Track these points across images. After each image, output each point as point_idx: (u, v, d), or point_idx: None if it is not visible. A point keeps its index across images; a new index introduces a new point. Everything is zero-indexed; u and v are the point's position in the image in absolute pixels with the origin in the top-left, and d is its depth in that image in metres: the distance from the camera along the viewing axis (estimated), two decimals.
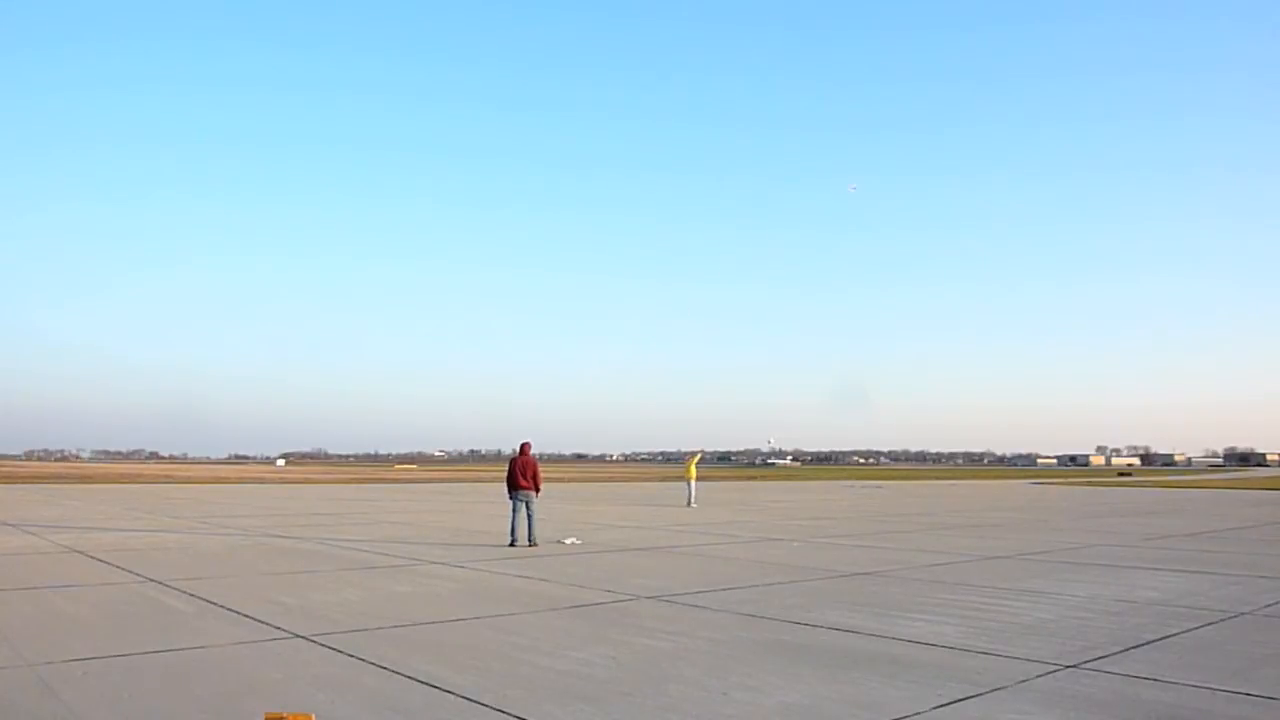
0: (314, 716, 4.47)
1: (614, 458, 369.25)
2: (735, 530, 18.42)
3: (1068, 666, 6.02)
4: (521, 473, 14.56)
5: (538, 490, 14.68)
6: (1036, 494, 42.84)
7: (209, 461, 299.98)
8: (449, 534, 16.90)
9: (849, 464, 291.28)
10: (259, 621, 7.47)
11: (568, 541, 14.93)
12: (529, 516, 14.30)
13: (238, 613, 7.89)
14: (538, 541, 14.20)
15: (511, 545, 14.00)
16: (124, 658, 6.08)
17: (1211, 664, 6.15)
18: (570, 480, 65.43)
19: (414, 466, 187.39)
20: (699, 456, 29.85)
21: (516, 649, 6.48)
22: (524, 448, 14.84)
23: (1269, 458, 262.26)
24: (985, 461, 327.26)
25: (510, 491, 14.52)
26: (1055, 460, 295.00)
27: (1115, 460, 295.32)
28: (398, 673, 5.70)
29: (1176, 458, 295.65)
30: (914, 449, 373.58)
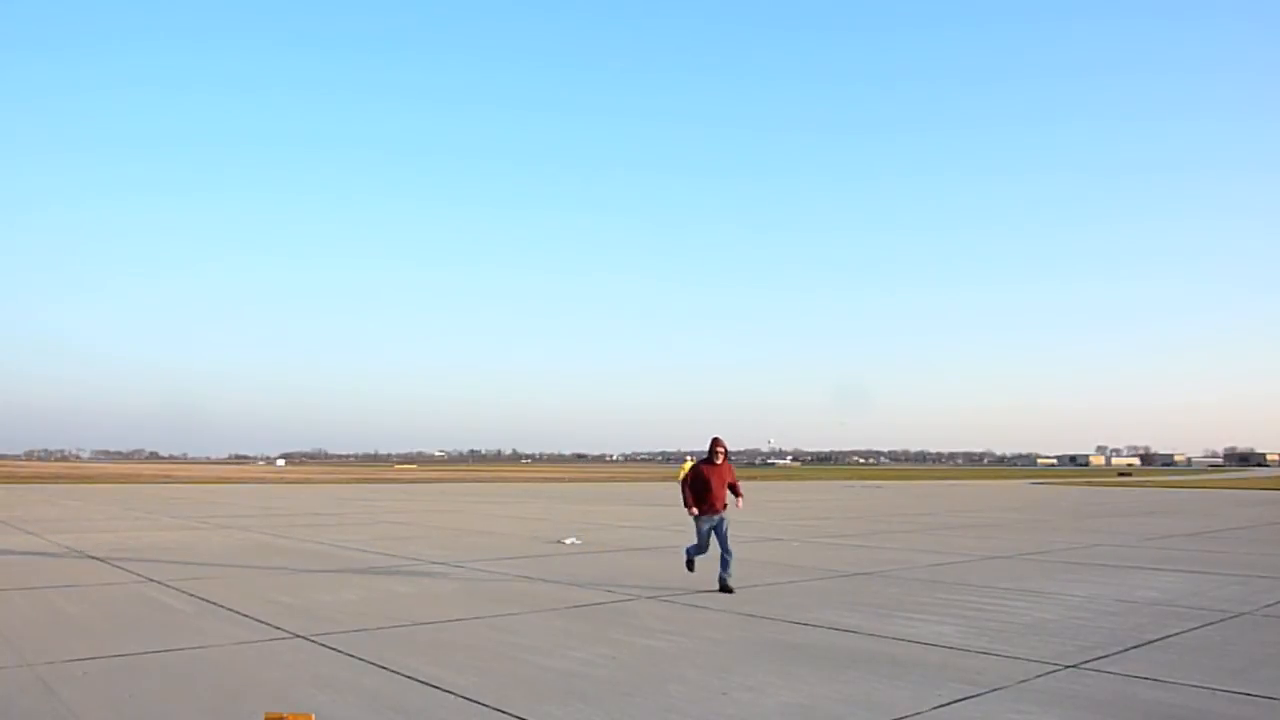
0: (314, 716, 4.46)
1: (614, 458, 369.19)
2: (735, 530, 18.37)
3: (1068, 666, 6.02)
4: (719, 484, 9.72)
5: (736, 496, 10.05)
6: (1036, 494, 42.83)
7: (209, 461, 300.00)
8: (449, 534, 16.90)
9: (849, 464, 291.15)
10: (259, 621, 7.47)
11: (568, 541, 14.93)
12: (723, 541, 9.69)
13: (238, 613, 7.89)
14: (734, 586, 9.64)
15: (689, 568, 10.03)
16: (124, 658, 6.08)
17: (1211, 664, 6.14)
18: (570, 480, 65.42)
19: (414, 466, 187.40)
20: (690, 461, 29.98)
21: (516, 649, 6.47)
22: (718, 450, 9.68)
23: (1269, 458, 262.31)
24: (985, 461, 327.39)
25: (698, 511, 9.66)
26: (1055, 460, 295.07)
27: (1115, 460, 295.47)
28: (398, 673, 5.70)
29: (1176, 458, 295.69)
30: (914, 449, 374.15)
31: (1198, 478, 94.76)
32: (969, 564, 12.39)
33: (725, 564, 9.63)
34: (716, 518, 9.69)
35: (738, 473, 10.22)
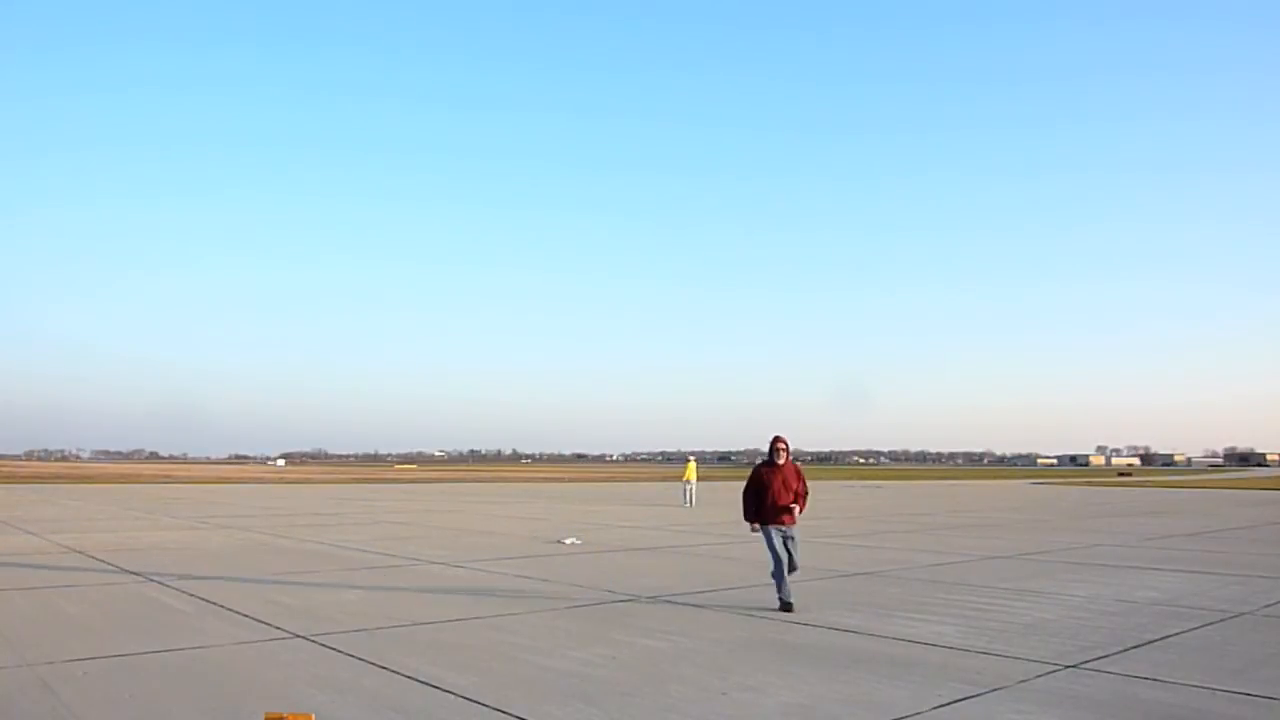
0: (314, 716, 4.46)
1: (614, 458, 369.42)
2: (735, 530, 18.41)
3: (1068, 666, 6.02)
4: (784, 488, 8.51)
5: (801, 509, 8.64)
6: (1036, 494, 42.83)
7: (209, 461, 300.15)
8: (449, 534, 16.90)
9: (849, 464, 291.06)
10: (259, 621, 7.47)
11: (568, 541, 14.92)
12: (790, 557, 8.52)
13: (238, 613, 7.89)
14: (792, 601, 8.36)
15: (786, 608, 8.29)
16: (124, 658, 6.08)
17: (1211, 664, 6.15)
18: (570, 480, 65.42)
19: (414, 466, 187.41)
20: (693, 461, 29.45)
21: (516, 649, 6.48)
22: (779, 446, 8.56)
23: (1269, 458, 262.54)
24: (985, 461, 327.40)
25: (762, 521, 8.53)
26: (1055, 460, 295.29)
27: (1115, 460, 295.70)
28: (398, 673, 5.70)
29: (1176, 458, 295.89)
30: (914, 449, 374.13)
31: (1198, 478, 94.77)
32: (969, 564, 12.39)
33: (783, 578, 8.43)
34: (785, 529, 8.45)
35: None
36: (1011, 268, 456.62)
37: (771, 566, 8.50)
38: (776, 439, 8.59)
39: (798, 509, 8.56)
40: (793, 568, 8.54)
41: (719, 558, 13.06)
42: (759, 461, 8.84)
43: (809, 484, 8.87)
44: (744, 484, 8.77)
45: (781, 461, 8.56)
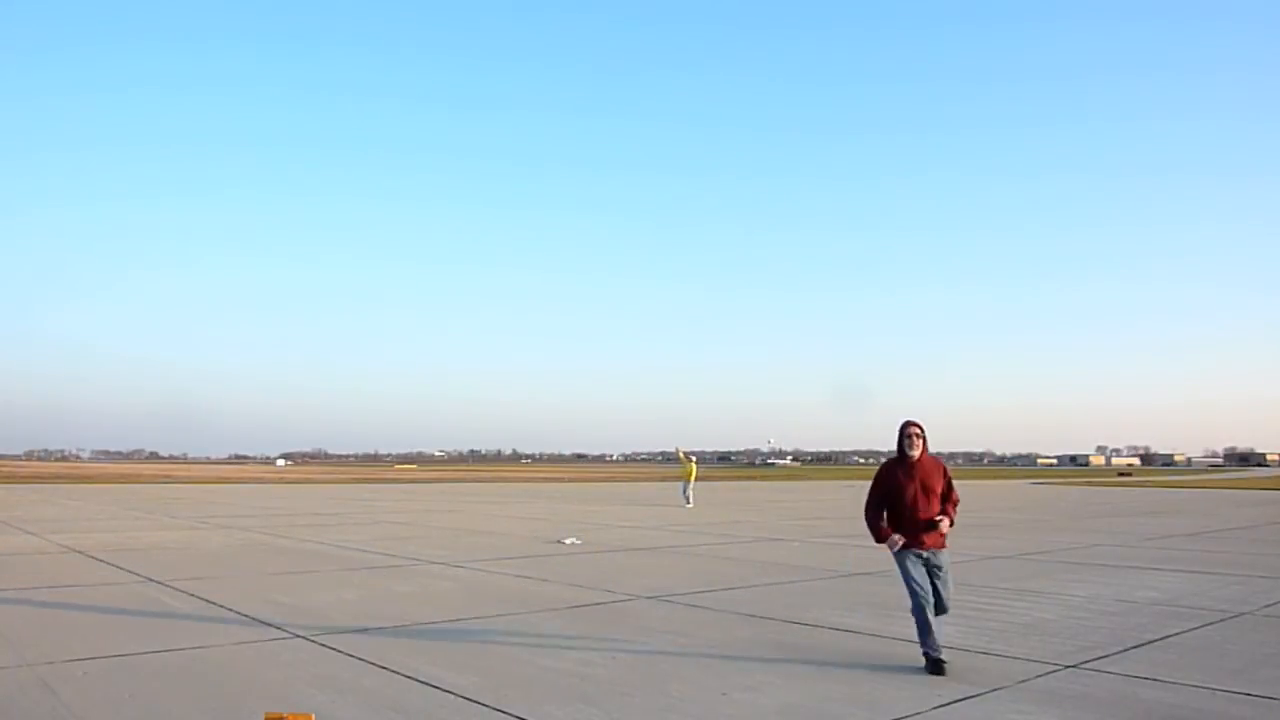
0: (314, 716, 4.46)
1: (614, 458, 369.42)
2: (735, 530, 18.40)
3: (1068, 666, 6.02)
4: (923, 495, 6.13)
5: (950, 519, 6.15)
6: (1036, 494, 42.82)
7: (209, 461, 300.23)
8: (449, 534, 16.90)
9: (849, 464, 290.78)
10: (259, 621, 7.47)
11: (568, 541, 14.92)
12: (936, 590, 6.05)
13: (238, 613, 7.89)
14: (944, 657, 5.83)
15: (935, 668, 5.75)
16: (124, 658, 6.08)
17: (1211, 664, 6.14)
18: (570, 480, 65.42)
19: (414, 466, 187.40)
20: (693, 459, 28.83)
21: (516, 649, 6.47)
22: (912, 432, 6.25)
23: (1269, 458, 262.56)
24: (985, 461, 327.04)
25: (900, 541, 6.09)
26: (1055, 460, 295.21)
27: (1115, 460, 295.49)
28: (398, 673, 5.70)
29: (1176, 458, 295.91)
30: None
31: (1198, 478, 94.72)
32: (969, 564, 12.38)
33: (929, 625, 5.93)
34: (927, 553, 6.06)
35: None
36: (1011, 268, 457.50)
37: (909, 603, 6.03)
38: (909, 424, 6.25)
39: (945, 522, 6.07)
40: (941, 608, 6.06)
41: (719, 558, 13.06)
42: (885, 459, 6.49)
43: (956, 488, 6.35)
44: (868, 492, 6.41)
45: (916, 455, 6.18)
